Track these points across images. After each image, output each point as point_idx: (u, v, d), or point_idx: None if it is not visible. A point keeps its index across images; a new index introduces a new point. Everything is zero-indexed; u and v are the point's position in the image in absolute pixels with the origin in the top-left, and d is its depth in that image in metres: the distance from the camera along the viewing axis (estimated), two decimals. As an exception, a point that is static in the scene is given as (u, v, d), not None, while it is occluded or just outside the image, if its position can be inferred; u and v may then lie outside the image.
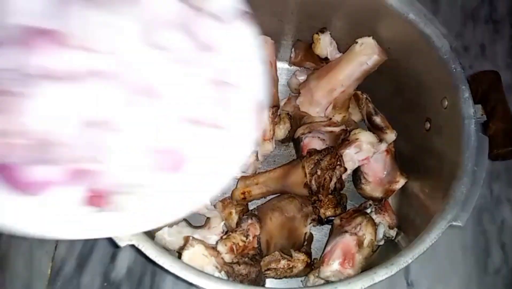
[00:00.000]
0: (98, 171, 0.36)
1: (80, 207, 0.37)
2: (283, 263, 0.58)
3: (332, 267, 0.58)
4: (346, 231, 0.61)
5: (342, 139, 0.68)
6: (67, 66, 0.34)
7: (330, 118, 0.70)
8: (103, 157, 0.36)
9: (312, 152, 0.64)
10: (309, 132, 0.68)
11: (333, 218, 0.64)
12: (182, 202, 0.40)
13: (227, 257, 0.57)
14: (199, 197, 0.40)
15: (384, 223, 0.64)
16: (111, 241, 0.45)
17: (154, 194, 0.38)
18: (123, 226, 0.39)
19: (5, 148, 0.33)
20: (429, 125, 0.62)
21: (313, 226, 0.64)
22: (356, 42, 0.66)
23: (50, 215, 0.36)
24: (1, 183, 0.35)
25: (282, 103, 0.74)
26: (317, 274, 0.60)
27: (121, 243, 0.45)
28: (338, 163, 0.64)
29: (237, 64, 0.41)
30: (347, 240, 0.60)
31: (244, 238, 0.58)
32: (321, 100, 0.69)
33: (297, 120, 0.71)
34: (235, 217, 0.62)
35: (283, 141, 0.73)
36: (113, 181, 0.37)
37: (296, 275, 0.61)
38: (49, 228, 0.36)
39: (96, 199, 0.37)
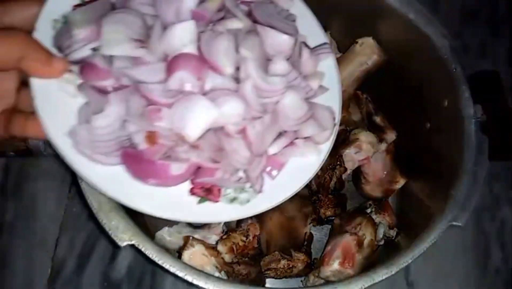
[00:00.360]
0: (213, 168, 0.44)
1: (189, 196, 0.45)
2: (283, 263, 0.58)
3: (332, 267, 0.58)
4: (346, 231, 0.61)
5: (342, 139, 0.68)
6: (202, 83, 0.43)
7: (330, 118, 0.70)
8: (220, 157, 0.44)
9: (312, 152, 0.64)
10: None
11: (333, 218, 0.64)
12: (270, 200, 0.48)
13: (227, 257, 0.57)
14: (283, 195, 0.48)
15: (384, 223, 0.64)
16: (111, 241, 0.45)
17: (254, 190, 0.47)
18: (220, 214, 0.46)
19: (152, 146, 0.42)
20: (429, 125, 0.62)
21: (313, 226, 0.64)
22: (356, 42, 0.66)
23: (166, 200, 0.45)
24: (134, 174, 0.43)
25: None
26: (317, 274, 0.60)
27: (121, 243, 0.45)
28: (338, 163, 0.64)
29: (322, 87, 0.51)
30: (347, 240, 0.60)
31: (244, 238, 0.58)
32: (321, 100, 0.69)
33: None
34: (235, 217, 0.62)
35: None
36: (224, 177, 0.45)
37: (296, 275, 0.61)
38: (165, 211, 0.44)
39: (203, 191, 0.46)
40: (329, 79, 0.52)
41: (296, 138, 0.49)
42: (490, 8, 0.90)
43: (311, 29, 0.54)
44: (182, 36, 0.43)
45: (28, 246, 0.67)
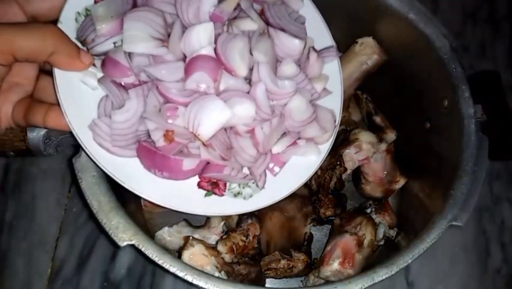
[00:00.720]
0: (222, 165, 0.46)
1: (197, 190, 0.48)
2: (283, 263, 0.58)
3: (332, 267, 0.58)
4: (346, 231, 0.61)
5: (342, 139, 0.68)
6: (218, 85, 0.44)
7: (330, 118, 0.70)
8: (229, 155, 0.46)
9: (312, 152, 0.64)
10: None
11: (333, 217, 0.64)
12: (272, 196, 0.50)
13: (227, 257, 0.57)
14: (284, 192, 0.50)
15: (384, 223, 0.64)
16: (111, 241, 0.45)
17: (257, 186, 0.49)
18: (225, 208, 0.49)
19: (169, 144, 0.43)
20: (429, 125, 0.62)
21: (313, 225, 0.64)
22: (356, 42, 0.66)
23: (175, 192, 0.47)
24: (149, 167, 0.45)
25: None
26: (317, 274, 0.60)
27: (121, 243, 0.45)
28: (338, 162, 0.64)
29: (325, 90, 0.53)
30: (347, 240, 0.60)
31: (244, 238, 0.58)
32: (321, 100, 0.69)
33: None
34: (235, 217, 0.62)
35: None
36: (231, 173, 0.47)
37: (296, 275, 0.61)
38: (174, 202, 0.46)
39: (210, 184, 0.48)
40: (333, 82, 0.54)
41: (299, 138, 0.51)
42: (490, 8, 0.90)
43: (318, 31, 0.55)
44: (200, 38, 0.44)
45: (28, 246, 0.67)
